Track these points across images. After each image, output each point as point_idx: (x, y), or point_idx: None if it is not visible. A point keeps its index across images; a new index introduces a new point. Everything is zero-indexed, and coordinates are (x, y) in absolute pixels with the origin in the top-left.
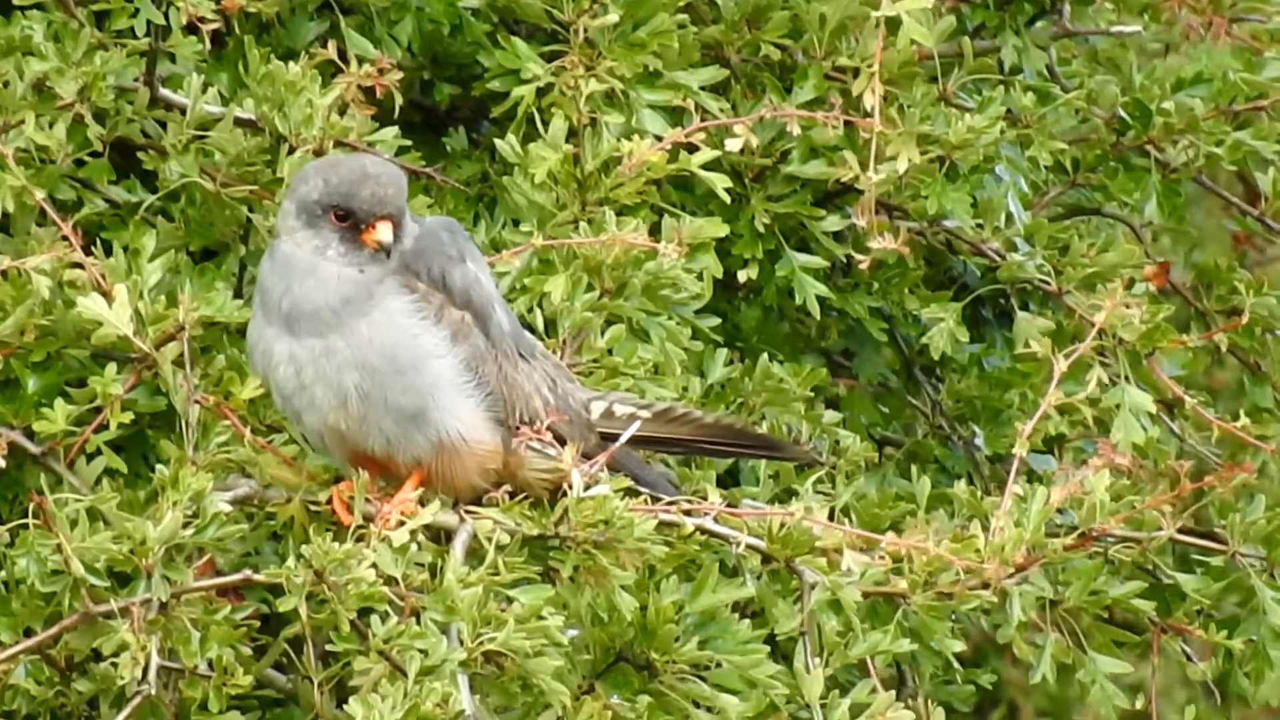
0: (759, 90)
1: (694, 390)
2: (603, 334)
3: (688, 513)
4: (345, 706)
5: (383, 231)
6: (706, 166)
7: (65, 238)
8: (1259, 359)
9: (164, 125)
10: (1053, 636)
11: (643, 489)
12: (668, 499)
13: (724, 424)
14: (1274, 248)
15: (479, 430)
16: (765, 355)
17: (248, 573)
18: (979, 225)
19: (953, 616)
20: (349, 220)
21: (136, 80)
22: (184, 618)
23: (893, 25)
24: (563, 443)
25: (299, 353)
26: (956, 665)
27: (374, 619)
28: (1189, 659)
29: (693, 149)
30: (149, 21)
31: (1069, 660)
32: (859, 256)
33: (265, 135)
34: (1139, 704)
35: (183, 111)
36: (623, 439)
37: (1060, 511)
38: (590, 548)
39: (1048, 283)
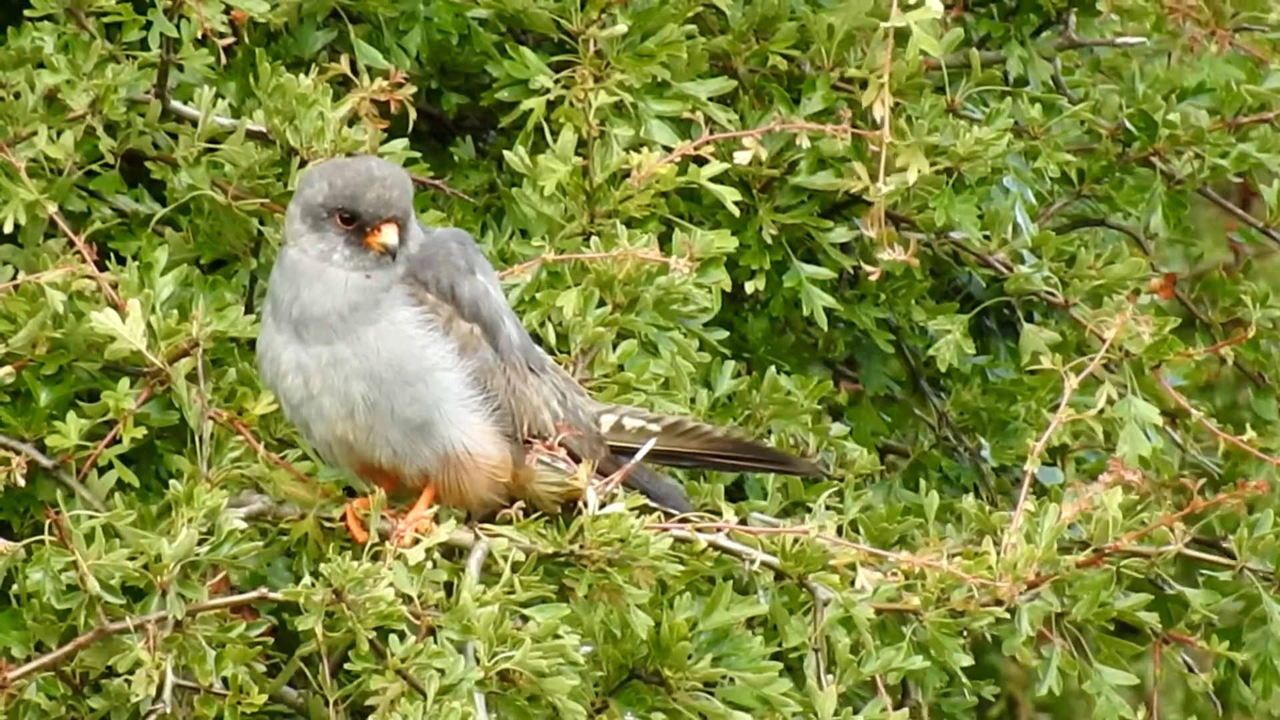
0: (767, 101)
1: (702, 402)
2: (614, 349)
3: (701, 529)
4: None
5: (388, 234)
6: (715, 178)
7: (77, 250)
8: (1262, 371)
9: (175, 137)
10: (1058, 648)
11: (654, 503)
12: (680, 515)
13: (733, 438)
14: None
15: (485, 444)
16: (772, 367)
17: (264, 591)
18: (986, 237)
19: (963, 634)
20: (354, 223)
21: (147, 92)
22: (199, 635)
23: (900, 36)
24: (575, 458)
25: (306, 361)
26: (964, 680)
27: (391, 638)
28: (1190, 669)
29: (701, 161)
30: (160, 34)
31: (1074, 671)
32: (868, 268)
33: (276, 148)
34: (1140, 715)
35: (194, 124)
36: (638, 457)
37: (1069, 526)
38: (605, 565)
39: (1054, 295)
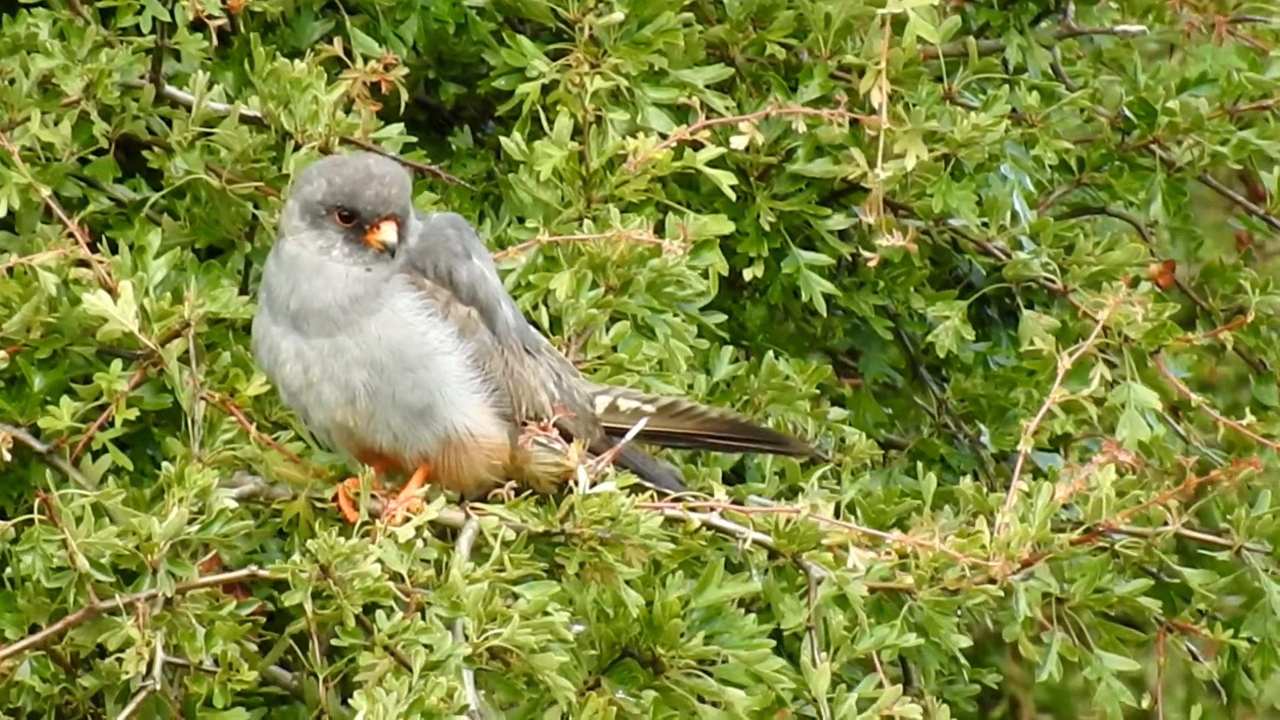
0: (764, 89)
1: (700, 388)
2: (607, 331)
3: (693, 508)
4: (350, 701)
5: (387, 232)
6: (712, 164)
7: (71, 235)
8: (1263, 357)
9: (169, 122)
10: (1058, 635)
11: (648, 484)
12: (673, 494)
13: (728, 418)
14: (1274, 242)
15: (485, 425)
16: (771, 353)
17: (253, 568)
18: (984, 224)
19: (958, 612)
20: (353, 221)
21: (142, 77)
22: (189, 614)
23: (898, 25)
24: (569, 438)
25: (307, 351)
26: (964, 662)
27: (379, 614)
28: (1194, 658)
29: (698, 146)
30: (154, 19)
31: (1075, 658)
32: (866, 254)
33: (271, 132)
34: (1145, 703)
35: (188, 109)
36: (629, 435)
37: (1065, 507)
38: (596, 544)
39: (1053, 281)
